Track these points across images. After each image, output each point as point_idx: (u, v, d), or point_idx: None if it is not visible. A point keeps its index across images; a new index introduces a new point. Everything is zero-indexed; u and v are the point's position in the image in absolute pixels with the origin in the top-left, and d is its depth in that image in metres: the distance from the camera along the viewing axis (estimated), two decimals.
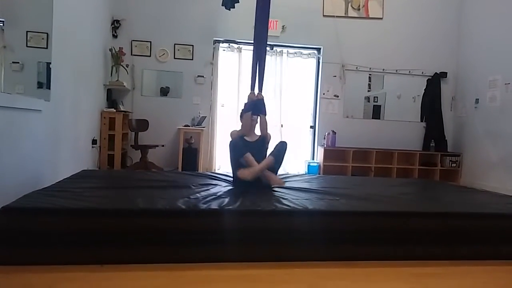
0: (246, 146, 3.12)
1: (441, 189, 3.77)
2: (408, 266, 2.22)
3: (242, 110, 3.40)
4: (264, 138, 3.35)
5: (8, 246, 1.97)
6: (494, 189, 4.99)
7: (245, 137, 3.26)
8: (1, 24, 2.74)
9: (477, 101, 6.30)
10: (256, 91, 3.46)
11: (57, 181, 2.89)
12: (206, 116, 6.22)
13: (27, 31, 3.09)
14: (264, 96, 3.49)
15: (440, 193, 3.49)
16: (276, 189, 2.95)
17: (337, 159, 6.42)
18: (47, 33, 3.29)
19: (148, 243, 2.09)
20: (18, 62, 2.98)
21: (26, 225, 1.99)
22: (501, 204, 2.89)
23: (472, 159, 6.36)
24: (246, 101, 3.42)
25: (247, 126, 3.32)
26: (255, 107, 3.37)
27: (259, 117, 3.37)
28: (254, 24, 3.59)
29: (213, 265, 2.08)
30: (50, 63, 3.36)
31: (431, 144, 6.71)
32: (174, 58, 6.25)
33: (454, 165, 6.56)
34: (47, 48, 3.31)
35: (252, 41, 3.60)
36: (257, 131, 3.41)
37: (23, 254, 1.98)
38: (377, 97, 6.88)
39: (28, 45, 3.12)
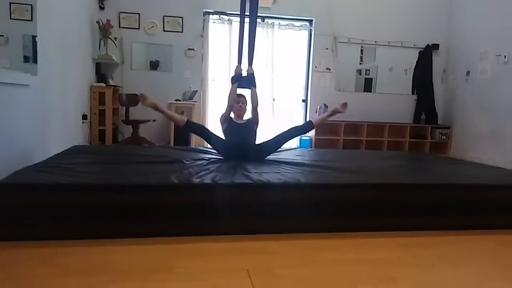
0: (234, 128, 3.18)
1: (431, 161, 3.82)
2: (397, 237, 2.28)
3: (232, 77, 3.44)
4: (253, 120, 3.29)
5: (0, 222, 1.97)
6: (483, 161, 5.08)
7: (233, 119, 3.26)
8: None
9: (468, 73, 6.30)
10: (246, 65, 3.45)
11: (47, 157, 2.87)
12: (197, 90, 6.15)
13: (10, 3, 2.98)
14: (255, 70, 3.48)
15: (429, 165, 3.54)
16: (269, 163, 2.97)
17: (329, 132, 6.44)
18: (31, 5, 3.18)
19: (141, 217, 2.10)
20: (3, 35, 2.89)
21: (18, 201, 1.99)
22: (489, 175, 2.95)
23: (462, 132, 6.42)
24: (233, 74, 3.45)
25: (233, 95, 3.32)
26: (247, 81, 3.37)
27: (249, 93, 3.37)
28: None
29: (207, 238, 2.11)
30: (35, 36, 3.26)
31: (422, 117, 6.74)
32: (164, 30, 6.11)
33: (444, 137, 6.63)
34: (32, 20, 3.21)
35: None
36: (246, 116, 3.36)
37: (16, 230, 1.98)
38: (369, 70, 6.85)
39: (12, 17, 3.02)
